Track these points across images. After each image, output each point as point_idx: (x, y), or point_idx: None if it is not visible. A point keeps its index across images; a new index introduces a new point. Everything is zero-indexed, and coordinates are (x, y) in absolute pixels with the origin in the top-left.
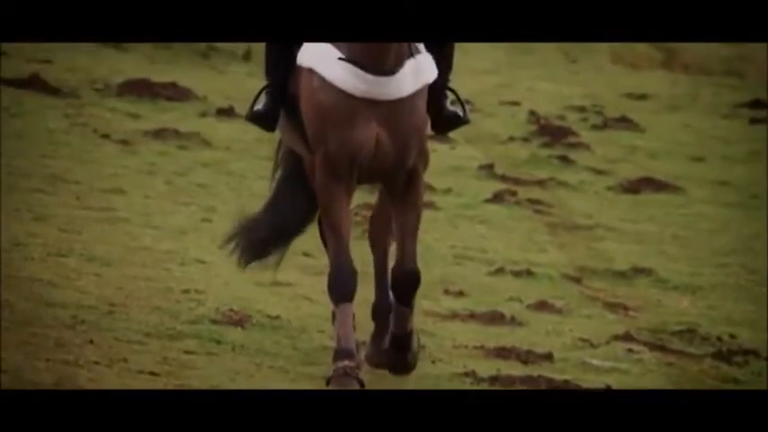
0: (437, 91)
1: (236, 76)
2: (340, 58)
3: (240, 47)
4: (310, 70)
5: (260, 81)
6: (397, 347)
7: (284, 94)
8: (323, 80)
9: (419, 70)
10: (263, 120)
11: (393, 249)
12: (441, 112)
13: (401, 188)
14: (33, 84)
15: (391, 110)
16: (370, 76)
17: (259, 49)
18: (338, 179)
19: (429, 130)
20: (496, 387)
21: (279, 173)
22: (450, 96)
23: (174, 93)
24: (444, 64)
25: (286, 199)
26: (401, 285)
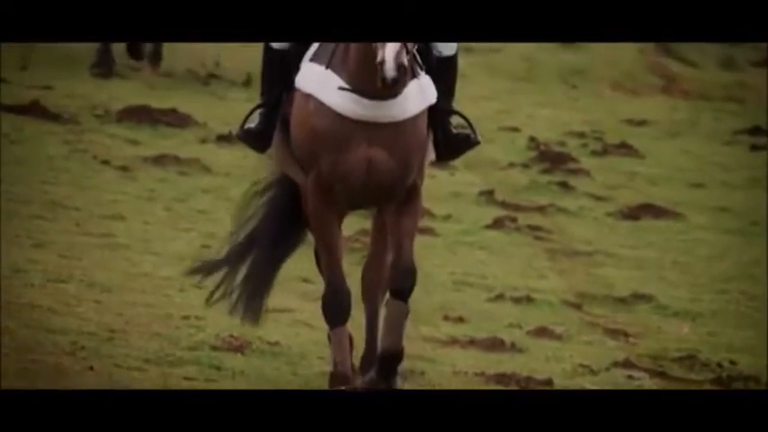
0: (443, 115)
1: (237, 102)
2: (340, 88)
3: (240, 74)
4: (308, 95)
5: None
6: (385, 370)
7: (278, 116)
8: (320, 104)
9: (422, 91)
10: (255, 139)
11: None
12: (449, 135)
13: (400, 204)
14: (33, 110)
15: (394, 131)
16: (370, 102)
17: (259, 75)
18: (330, 201)
19: (433, 155)
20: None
21: (267, 196)
22: (455, 120)
23: (174, 119)
24: (447, 87)
25: (272, 229)
26: (399, 283)
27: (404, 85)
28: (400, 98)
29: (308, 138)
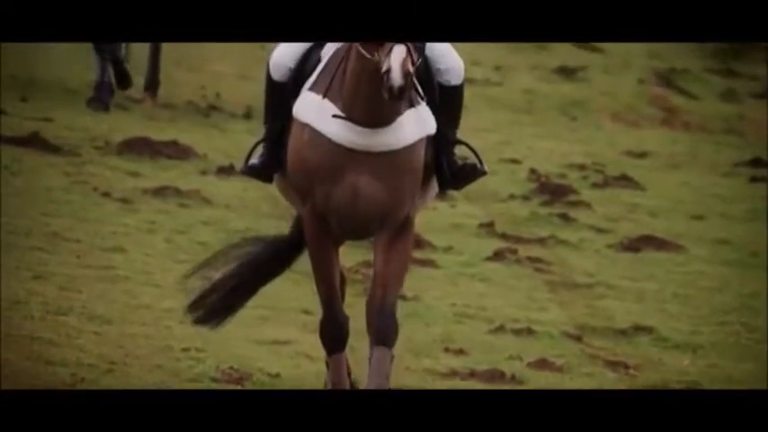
0: (447, 145)
1: (237, 134)
2: (334, 115)
3: (241, 106)
4: (304, 124)
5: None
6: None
7: (281, 147)
8: (315, 133)
9: (419, 120)
10: (259, 173)
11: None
12: (453, 166)
13: (391, 236)
14: (33, 142)
15: (388, 160)
16: (364, 129)
17: (260, 108)
18: (326, 232)
19: (436, 188)
20: None
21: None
22: (459, 151)
23: (175, 151)
24: (452, 117)
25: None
26: (383, 332)
27: (398, 112)
28: (395, 126)
29: (302, 168)
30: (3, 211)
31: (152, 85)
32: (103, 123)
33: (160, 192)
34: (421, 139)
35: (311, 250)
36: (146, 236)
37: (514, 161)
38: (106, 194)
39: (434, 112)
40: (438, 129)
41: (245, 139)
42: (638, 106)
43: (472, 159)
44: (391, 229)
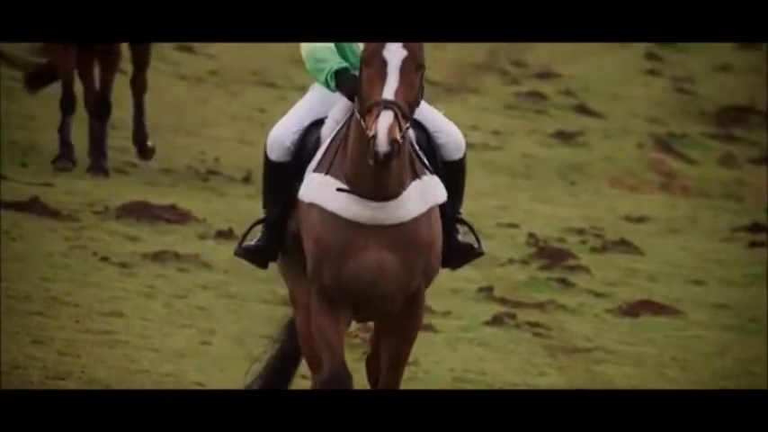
0: (448, 223)
1: (236, 198)
2: (339, 189)
3: (240, 170)
4: (311, 204)
5: (260, 203)
6: None
7: (283, 230)
8: (323, 212)
9: (425, 191)
10: (255, 255)
11: None
12: (453, 244)
13: (400, 311)
14: (33, 207)
15: (395, 234)
16: (371, 203)
17: (259, 172)
18: (334, 307)
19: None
20: None
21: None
22: (463, 228)
23: (174, 215)
24: (454, 192)
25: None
26: None
27: (402, 186)
28: (402, 199)
29: (315, 248)
30: (3, 276)
31: (139, 140)
32: (103, 188)
33: (159, 256)
34: (429, 210)
35: (316, 326)
36: (145, 300)
37: (513, 225)
38: (105, 259)
39: None
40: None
41: (245, 204)
42: (637, 171)
43: (469, 239)
44: (401, 304)
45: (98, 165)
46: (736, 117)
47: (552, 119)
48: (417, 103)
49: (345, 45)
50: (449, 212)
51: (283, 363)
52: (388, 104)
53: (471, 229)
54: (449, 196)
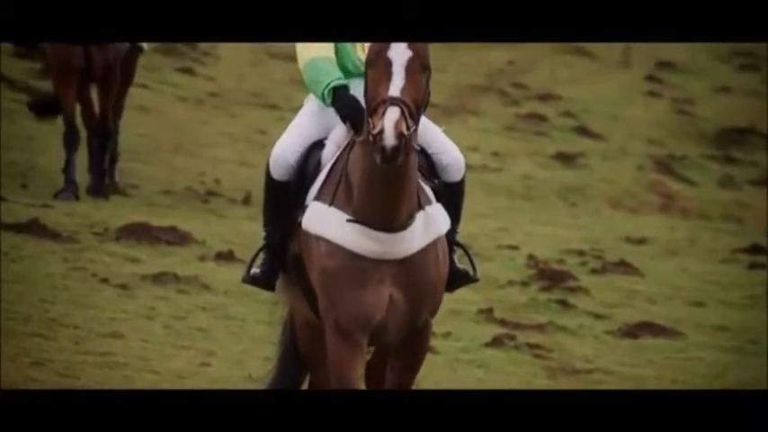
0: (448, 246)
1: (236, 220)
2: (348, 220)
3: (240, 191)
4: (318, 237)
5: (259, 225)
6: None
7: (285, 254)
8: (330, 244)
9: (429, 223)
10: (261, 283)
11: None
12: (451, 269)
13: (407, 342)
14: (33, 228)
15: (403, 267)
16: (380, 234)
17: (259, 193)
18: (352, 343)
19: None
20: None
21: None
22: (458, 251)
23: (174, 237)
24: (453, 216)
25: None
26: None
27: (411, 217)
28: (409, 231)
29: (325, 281)
30: (2, 298)
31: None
32: (102, 210)
33: (159, 278)
34: (435, 240)
35: (334, 363)
36: (144, 322)
37: (513, 247)
38: (105, 280)
39: None
40: None
41: (245, 225)
42: (637, 192)
43: (464, 266)
44: (409, 335)
45: (96, 186)
46: (735, 139)
47: (552, 140)
48: (424, 105)
49: (346, 56)
50: (447, 234)
51: (291, 362)
52: (394, 101)
53: (466, 252)
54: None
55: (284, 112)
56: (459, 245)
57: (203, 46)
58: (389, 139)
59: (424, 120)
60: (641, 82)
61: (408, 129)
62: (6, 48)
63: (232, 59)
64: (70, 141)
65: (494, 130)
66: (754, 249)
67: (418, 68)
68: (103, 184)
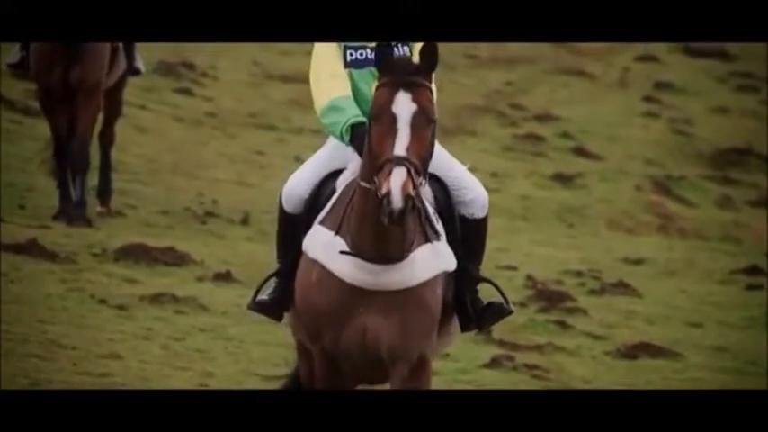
0: (470, 283)
1: (234, 240)
2: (342, 252)
3: (238, 212)
4: (314, 261)
5: (258, 246)
6: None
7: (293, 281)
8: (324, 272)
9: (436, 256)
10: (268, 310)
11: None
12: (477, 305)
13: (405, 379)
14: (31, 249)
15: (400, 297)
16: (374, 266)
17: (257, 214)
18: (339, 373)
19: (458, 328)
20: None
21: None
22: (481, 287)
23: (172, 257)
24: (475, 252)
25: None
26: None
27: (408, 249)
28: (408, 262)
29: (310, 310)
30: (1, 318)
31: (104, 192)
32: (101, 230)
33: (157, 298)
34: (437, 276)
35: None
36: (142, 343)
37: (511, 268)
38: (103, 301)
39: (455, 247)
40: (459, 265)
41: (243, 246)
42: (635, 213)
43: (497, 297)
44: (404, 371)
45: (76, 213)
46: (733, 159)
47: (550, 161)
48: (429, 159)
49: (362, 100)
50: (471, 272)
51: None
52: (400, 161)
53: (495, 285)
54: (470, 254)
55: (282, 132)
56: (485, 279)
57: (202, 67)
58: (397, 203)
59: (447, 156)
60: (639, 102)
61: (415, 187)
62: (5, 69)
63: (230, 80)
64: (79, 166)
65: (492, 150)
66: (753, 270)
67: (424, 123)
68: (84, 211)
